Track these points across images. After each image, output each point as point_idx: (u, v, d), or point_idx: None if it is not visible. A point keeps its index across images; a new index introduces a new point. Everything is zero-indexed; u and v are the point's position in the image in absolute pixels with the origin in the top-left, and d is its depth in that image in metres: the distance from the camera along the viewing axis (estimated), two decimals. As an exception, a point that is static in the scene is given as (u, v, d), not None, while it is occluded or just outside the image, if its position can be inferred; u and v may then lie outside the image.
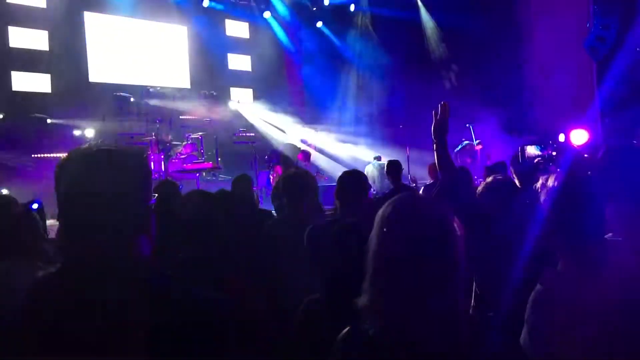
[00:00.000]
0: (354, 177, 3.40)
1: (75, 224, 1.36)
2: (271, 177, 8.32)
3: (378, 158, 12.05)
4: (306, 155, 8.55)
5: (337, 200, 3.35)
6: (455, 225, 1.48)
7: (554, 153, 3.26)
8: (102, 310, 1.27)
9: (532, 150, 3.95)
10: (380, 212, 1.53)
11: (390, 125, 14.06)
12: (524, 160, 4.00)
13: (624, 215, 2.04)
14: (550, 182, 1.90)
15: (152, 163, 10.78)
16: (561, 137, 11.24)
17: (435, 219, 1.47)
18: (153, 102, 12.06)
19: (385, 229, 1.47)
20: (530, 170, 3.24)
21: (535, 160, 3.46)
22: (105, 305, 1.27)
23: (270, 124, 14.43)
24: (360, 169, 11.49)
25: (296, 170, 4.35)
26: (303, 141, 13.49)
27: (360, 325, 1.51)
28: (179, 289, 1.39)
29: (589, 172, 2.07)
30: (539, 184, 1.93)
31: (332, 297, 2.23)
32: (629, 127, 10.35)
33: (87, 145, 1.42)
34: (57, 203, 1.38)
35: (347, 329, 1.56)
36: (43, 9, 11.17)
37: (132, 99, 11.60)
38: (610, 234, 2.07)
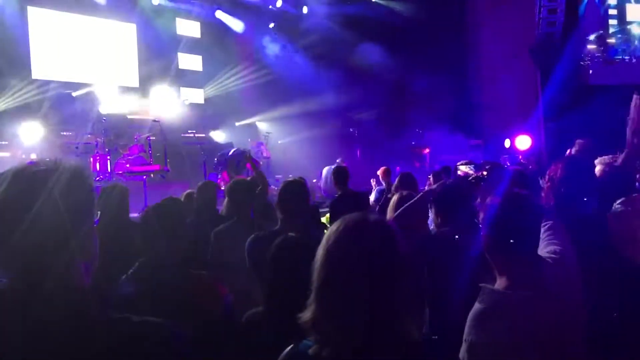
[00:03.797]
0: (294, 187, 3.37)
1: (11, 255, 1.28)
2: (218, 182, 8.22)
3: (341, 161, 12.03)
4: (255, 164, 8.50)
5: (278, 211, 3.33)
6: (402, 246, 1.48)
7: (485, 173, 3.36)
8: (39, 352, 1.21)
9: (464, 169, 4.06)
10: (328, 231, 1.52)
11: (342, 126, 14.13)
12: (455, 177, 4.12)
13: (558, 230, 2.11)
14: (488, 201, 1.94)
15: (97, 164, 10.52)
16: (507, 143, 11.59)
17: (382, 239, 1.46)
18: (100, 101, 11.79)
19: (331, 249, 1.46)
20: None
21: (469, 178, 3.55)
22: (42, 347, 1.21)
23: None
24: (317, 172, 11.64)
25: (242, 178, 4.32)
26: (259, 143, 13.38)
27: (300, 345, 1.50)
28: (115, 319, 1.33)
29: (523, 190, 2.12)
30: (477, 202, 1.97)
31: (272, 311, 2.22)
32: (569, 133, 10.75)
33: (22, 164, 1.34)
34: None
35: (288, 348, 1.55)
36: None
37: (74, 95, 11.28)
38: (545, 250, 2.13)
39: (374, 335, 1.40)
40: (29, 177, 1.29)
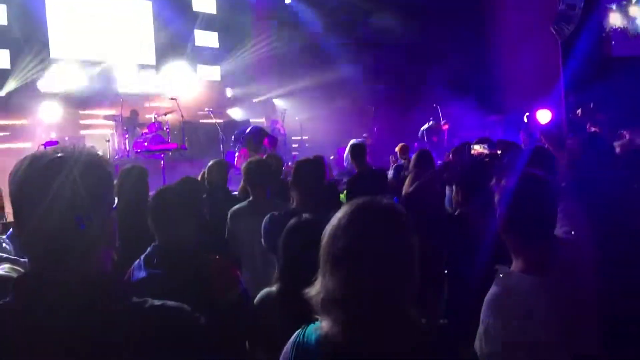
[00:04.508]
0: (310, 166, 3.36)
1: (31, 240, 1.30)
2: (236, 159, 8.24)
3: (367, 137, 11.95)
4: (272, 140, 8.47)
5: (293, 190, 3.32)
6: (410, 232, 1.47)
7: (499, 152, 3.30)
8: (59, 339, 1.22)
9: (478, 148, 3.99)
10: (337, 214, 1.51)
11: (359, 103, 14.01)
12: (469, 157, 4.05)
13: (570, 213, 2.08)
14: (503, 182, 1.92)
15: (115, 142, 10.61)
16: (525, 117, 11.43)
17: (390, 225, 1.45)
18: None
19: (337, 233, 1.46)
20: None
21: (484, 158, 3.49)
22: (62, 333, 1.22)
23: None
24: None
25: (258, 158, 4.31)
26: (274, 121, 13.34)
27: (308, 328, 1.51)
28: (136, 303, 1.34)
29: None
30: (493, 182, 1.95)
31: (286, 292, 2.23)
32: (590, 106, 10.57)
33: (42, 150, 1.35)
34: (13, 214, 1.32)
35: (297, 332, 1.56)
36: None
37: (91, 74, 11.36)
38: (561, 230, 2.11)
39: (381, 322, 1.40)
40: (47, 162, 1.30)
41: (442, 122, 12.10)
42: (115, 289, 1.35)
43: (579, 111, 10.41)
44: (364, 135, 11.84)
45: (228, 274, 2.44)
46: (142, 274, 2.27)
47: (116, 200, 1.41)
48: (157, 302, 1.36)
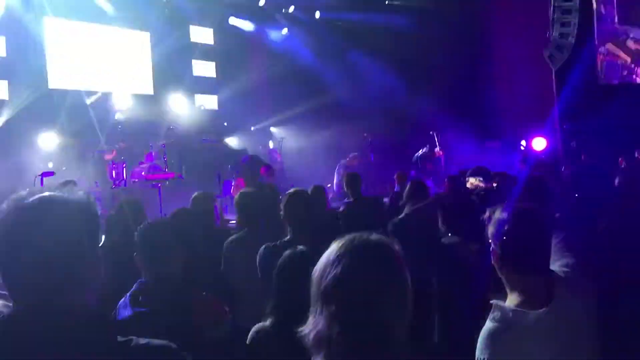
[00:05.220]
0: (298, 199, 3.35)
1: (15, 282, 1.30)
2: (232, 188, 8.24)
3: (354, 157, 11.94)
4: (269, 169, 8.49)
5: (286, 222, 3.32)
6: (402, 271, 1.46)
7: (495, 185, 3.32)
8: None
9: (474, 181, 3.99)
10: (329, 249, 1.50)
11: (355, 130, 14.07)
12: (464, 190, 4.06)
13: (566, 244, 2.07)
14: (497, 215, 1.91)
15: (113, 172, 10.61)
16: (522, 144, 11.49)
17: (386, 259, 1.45)
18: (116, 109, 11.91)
19: (327, 268, 1.44)
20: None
21: (476, 191, 3.50)
22: None
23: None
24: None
25: (252, 189, 4.31)
26: (272, 150, 13.37)
27: None
28: (122, 343, 1.33)
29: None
30: (486, 216, 1.94)
31: (279, 327, 2.20)
32: (585, 133, 10.65)
33: (24, 193, 1.35)
34: None
35: None
36: (1, 13, 10.85)
37: (89, 103, 11.41)
38: (558, 263, 2.09)
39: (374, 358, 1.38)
40: (33, 209, 1.30)
41: (436, 149, 12.13)
42: (99, 329, 1.34)
43: (573, 143, 10.49)
44: (353, 154, 11.88)
45: (215, 310, 2.40)
46: (128, 312, 2.23)
47: (103, 238, 1.41)
48: (142, 341, 1.35)
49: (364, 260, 1.42)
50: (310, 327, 1.45)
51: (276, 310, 2.26)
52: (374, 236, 1.49)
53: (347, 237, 1.48)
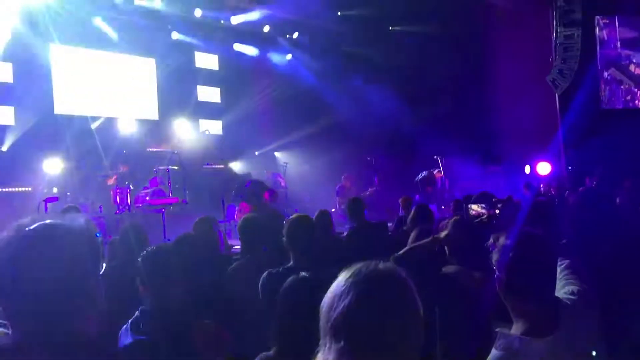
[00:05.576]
0: (299, 224, 3.33)
1: (16, 310, 1.30)
2: (236, 213, 8.24)
3: (346, 178, 12.14)
4: (272, 194, 8.48)
5: (288, 248, 3.30)
6: (415, 294, 1.42)
7: (497, 212, 3.31)
8: None
9: (476, 208, 3.98)
10: (336, 280, 1.47)
11: (359, 154, 14.12)
12: (467, 217, 4.04)
13: (574, 271, 2.04)
14: (501, 241, 1.89)
15: (117, 197, 10.62)
16: (527, 169, 11.47)
17: (397, 289, 1.41)
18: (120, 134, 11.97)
19: (335, 300, 1.41)
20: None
21: (479, 219, 3.49)
22: None
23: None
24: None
25: (253, 214, 4.30)
26: (275, 174, 13.39)
27: None
28: None
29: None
30: (489, 242, 1.92)
31: (284, 353, 2.17)
32: (590, 158, 10.62)
33: (27, 220, 1.35)
34: None
35: None
36: (8, 41, 11.00)
37: (94, 128, 11.50)
38: (564, 290, 2.06)
39: None
40: (34, 234, 1.31)
41: (435, 170, 12.14)
42: (99, 357, 1.33)
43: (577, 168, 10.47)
44: (345, 175, 12.04)
45: (217, 337, 2.38)
46: (128, 339, 2.21)
47: (104, 264, 1.41)
48: None
49: (374, 292, 1.38)
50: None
51: (280, 338, 2.23)
52: (382, 265, 1.46)
53: (355, 267, 1.44)
